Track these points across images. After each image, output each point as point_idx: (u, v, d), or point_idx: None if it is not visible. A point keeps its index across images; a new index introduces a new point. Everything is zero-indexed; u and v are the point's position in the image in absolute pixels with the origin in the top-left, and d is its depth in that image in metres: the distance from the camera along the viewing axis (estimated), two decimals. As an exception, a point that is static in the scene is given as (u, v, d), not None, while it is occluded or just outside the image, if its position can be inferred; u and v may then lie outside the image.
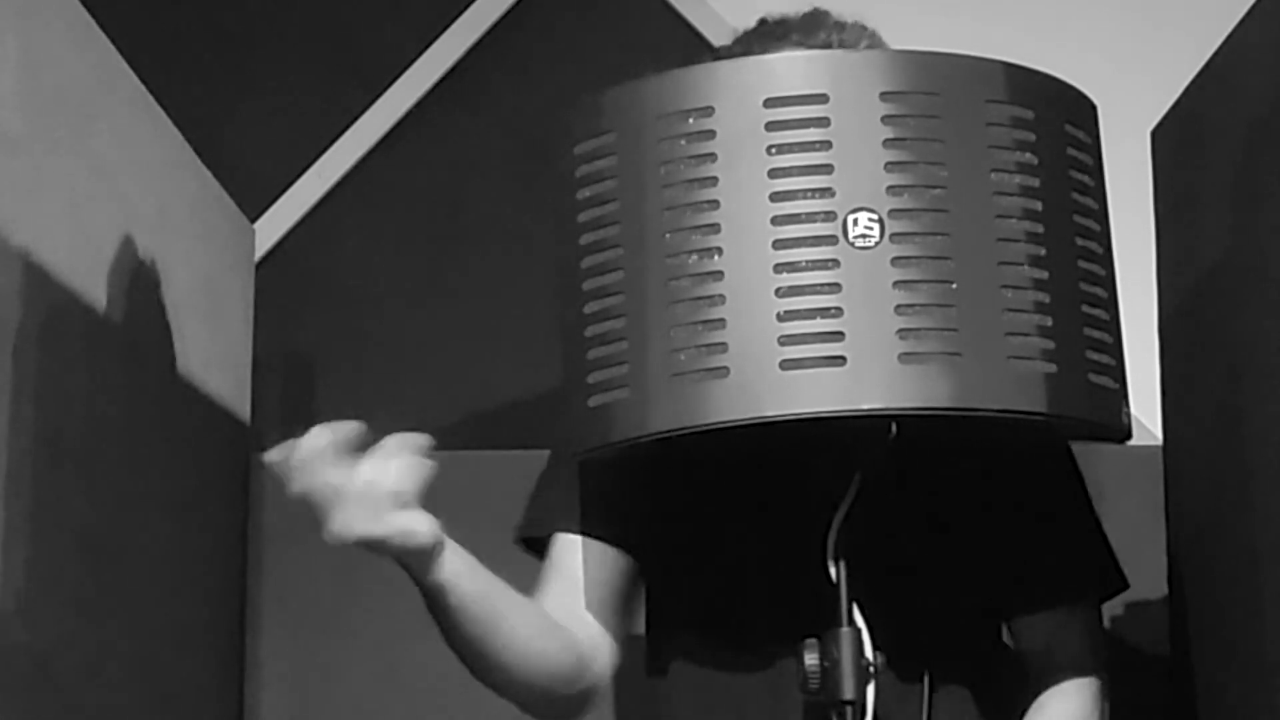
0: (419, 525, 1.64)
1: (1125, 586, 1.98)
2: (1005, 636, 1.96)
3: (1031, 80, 1.63)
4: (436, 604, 1.72)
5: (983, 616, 1.94)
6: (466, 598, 1.72)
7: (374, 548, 1.64)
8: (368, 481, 1.61)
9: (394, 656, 2.60)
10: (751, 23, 1.96)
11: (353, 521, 1.61)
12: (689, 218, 1.57)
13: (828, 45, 1.89)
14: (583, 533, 1.90)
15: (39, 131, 1.85)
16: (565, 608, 1.87)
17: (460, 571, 1.71)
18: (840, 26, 1.91)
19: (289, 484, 1.60)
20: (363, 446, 1.63)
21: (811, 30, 1.90)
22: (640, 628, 1.98)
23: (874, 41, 1.92)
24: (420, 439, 1.65)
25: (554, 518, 1.92)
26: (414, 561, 1.67)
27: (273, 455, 1.61)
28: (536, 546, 1.93)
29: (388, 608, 2.59)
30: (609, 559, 1.90)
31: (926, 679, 1.81)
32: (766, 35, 1.92)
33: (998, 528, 1.90)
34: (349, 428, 1.62)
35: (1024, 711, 1.91)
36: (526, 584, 1.88)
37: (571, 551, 1.90)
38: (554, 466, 1.94)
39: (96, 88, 2.05)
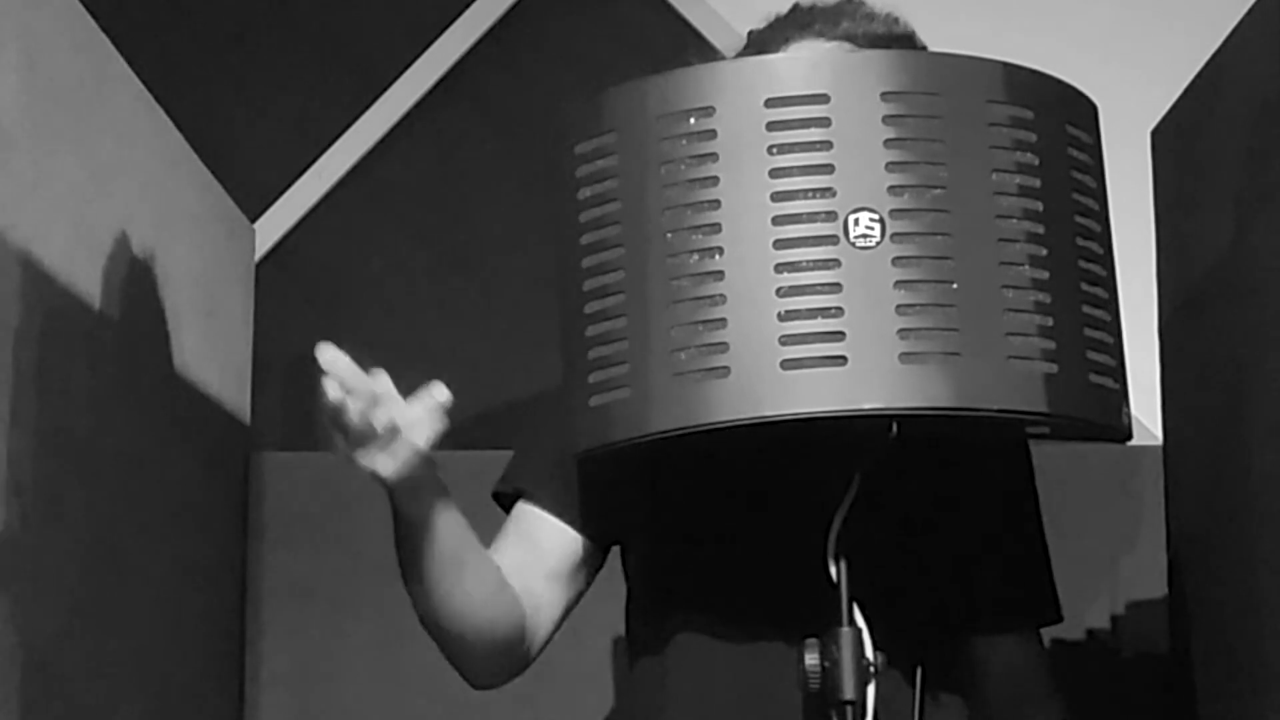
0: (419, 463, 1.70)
1: (1059, 619, 1.97)
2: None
3: (1032, 80, 1.63)
4: (410, 536, 1.75)
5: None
6: (439, 537, 1.75)
7: (376, 477, 1.69)
8: (391, 425, 1.66)
9: (394, 656, 2.60)
10: (784, 9, 1.94)
11: (371, 458, 1.67)
12: (690, 217, 1.57)
13: (850, 35, 1.87)
14: (556, 513, 1.90)
15: (39, 131, 1.85)
16: (518, 572, 1.87)
17: (441, 511, 1.74)
18: (870, 17, 1.89)
19: (325, 393, 1.65)
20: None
21: (835, 20, 1.89)
22: (634, 624, 1.98)
23: (902, 31, 1.89)
24: (439, 392, 1.70)
25: (529, 481, 1.92)
26: (404, 494, 1.71)
27: (325, 355, 1.66)
28: (504, 501, 1.94)
29: (388, 608, 2.59)
30: (572, 540, 1.91)
31: (918, 677, 1.80)
32: (792, 22, 1.90)
33: (970, 539, 1.91)
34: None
35: None
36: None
37: (536, 521, 1.90)
38: (536, 431, 1.94)
39: (96, 88, 2.05)
